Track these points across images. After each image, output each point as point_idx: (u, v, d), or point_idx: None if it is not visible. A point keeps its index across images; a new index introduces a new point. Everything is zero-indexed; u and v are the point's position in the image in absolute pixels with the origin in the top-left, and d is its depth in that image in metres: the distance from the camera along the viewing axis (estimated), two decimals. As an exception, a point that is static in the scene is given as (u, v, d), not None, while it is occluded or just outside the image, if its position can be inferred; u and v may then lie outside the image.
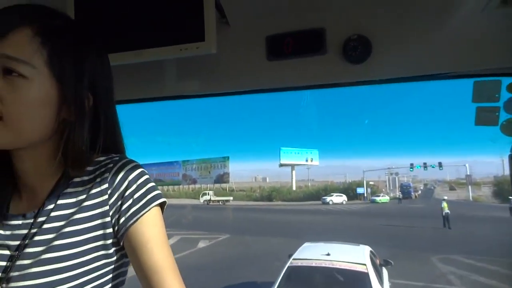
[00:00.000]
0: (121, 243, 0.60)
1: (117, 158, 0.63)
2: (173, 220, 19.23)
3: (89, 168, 0.62)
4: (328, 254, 5.53)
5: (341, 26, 1.11)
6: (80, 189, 0.61)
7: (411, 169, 38.40)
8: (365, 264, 5.27)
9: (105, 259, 0.60)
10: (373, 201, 36.82)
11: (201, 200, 36.59)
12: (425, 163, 36.63)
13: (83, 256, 0.57)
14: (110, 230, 0.59)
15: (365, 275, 5.02)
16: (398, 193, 41.69)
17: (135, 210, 0.59)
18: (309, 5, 1.13)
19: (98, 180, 0.61)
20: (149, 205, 0.60)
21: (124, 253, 0.62)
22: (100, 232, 0.59)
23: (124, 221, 0.59)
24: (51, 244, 0.56)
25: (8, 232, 0.59)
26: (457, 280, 8.54)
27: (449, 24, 1.04)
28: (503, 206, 26.54)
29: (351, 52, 1.09)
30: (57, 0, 0.95)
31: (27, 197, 0.64)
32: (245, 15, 1.17)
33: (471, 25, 1.03)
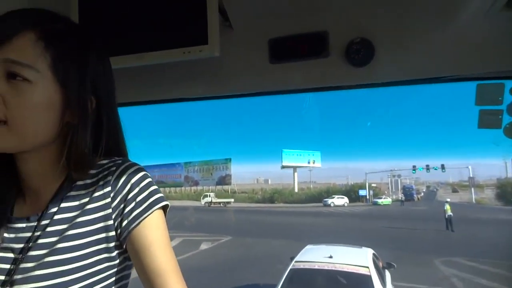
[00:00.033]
0: (124, 246, 0.60)
1: (120, 161, 0.64)
2: (175, 222, 19.22)
3: (92, 171, 0.63)
4: (331, 257, 5.51)
5: (344, 29, 1.11)
6: (83, 192, 0.61)
7: (414, 171, 38.22)
8: (367, 267, 5.24)
9: (108, 262, 0.60)
10: (375, 203, 36.52)
11: (202, 202, 36.36)
12: (427, 165, 36.36)
13: (86, 259, 0.57)
14: (113, 233, 0.59)
15: (368, 278, 4.99)
16: (400, 195, 41.45)
17: (137, 213, 0.59)
18: (312, 8, 1.13)
19: (101, 183, 0.61)
20: (152, 208, 0.60)
21: (127, 256, 0.62)
22: (103, 235, 0.59)
23: (126, 224, 0.59)
24: (54, 247, 0.56)
25: (12, 235, 0.59)
26: (460, 283, 8.50)
27: (452, 27, 1.04)
28: (506, 209, 26.44)
29: (354, 55, 1.09)
30: (61, 4, 0.96)
31: (31, 200, 0.64)
32: (248, 18, 1.18)
33: (474, 28, 1.03)
